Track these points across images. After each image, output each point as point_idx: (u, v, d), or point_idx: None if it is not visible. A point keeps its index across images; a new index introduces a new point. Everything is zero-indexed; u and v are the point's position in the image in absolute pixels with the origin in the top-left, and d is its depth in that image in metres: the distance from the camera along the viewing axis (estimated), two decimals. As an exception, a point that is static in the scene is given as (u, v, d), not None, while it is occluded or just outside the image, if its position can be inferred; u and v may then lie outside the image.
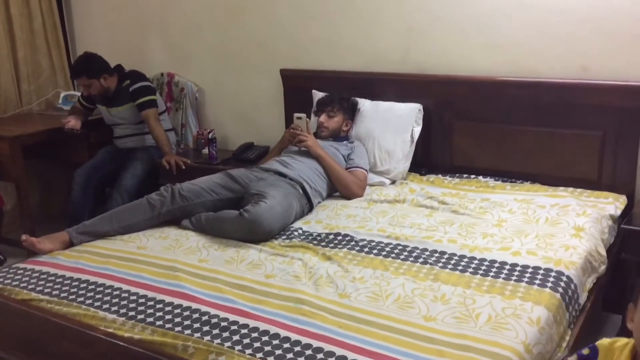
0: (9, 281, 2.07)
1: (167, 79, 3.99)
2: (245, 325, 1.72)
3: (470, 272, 2.00)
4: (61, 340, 1.81)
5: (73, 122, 3.67)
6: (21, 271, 2.14)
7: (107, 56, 3.64)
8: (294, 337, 1.65)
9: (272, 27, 3.55)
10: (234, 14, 3.66)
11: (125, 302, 1.89)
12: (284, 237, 2.40)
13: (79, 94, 3.91)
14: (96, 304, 1.89)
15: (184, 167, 3.41)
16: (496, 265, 2.05)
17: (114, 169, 3.68)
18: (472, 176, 2.96)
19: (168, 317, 1.79)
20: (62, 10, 4.33)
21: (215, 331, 1.70)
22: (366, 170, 2.91)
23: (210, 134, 3.58)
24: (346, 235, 2.36)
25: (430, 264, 2.08)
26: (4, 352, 1.98)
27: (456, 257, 2.12)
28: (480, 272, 2.01)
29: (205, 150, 3.59)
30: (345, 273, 2.03)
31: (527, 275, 1.96)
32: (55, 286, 2.02)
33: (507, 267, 2.03)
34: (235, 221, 2.36)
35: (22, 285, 2.04)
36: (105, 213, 2.57)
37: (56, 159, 4.15)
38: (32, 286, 2.03)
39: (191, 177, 2.78)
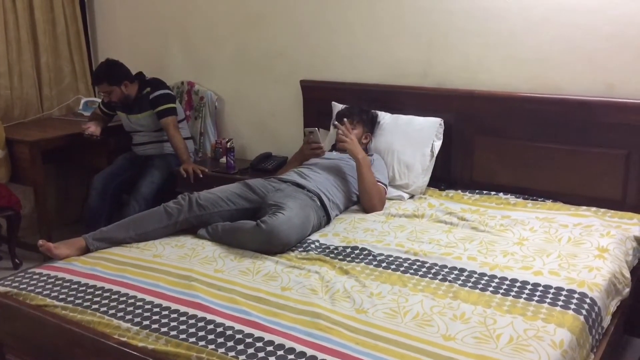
0: (24, 286, 2.06)
1: (187, 87, 4.01)
2: (260, 339, 1.69)
3: (491, 291, 1.96)
4: (74, 347, 1.79)
5: (93, 128, 3.69)
6: (37, 276, 2.13)
7: (128, 63, 3.66)
8: (309, 352, 1.62)
9: (293, 37, 3.55)
10: (255, 23, 3.67)
11: (139, 310, 1.87)
12: (301, 249, 2.37)
13: (99, 100, 3.93)
14: (110, 311, 1.87)
15: (201, 176, 3.41)
16: (517, 284, 2.00)
17: (132, 175, 3.69)
18: (493, 193, 2.91)
19: (182, 327, 1.77)
20: (86, 16, 4.38)
21: (230, 343, 1.67)
22: (385, 185, 2.88)
23: (229, 143, 3.58)
24: (364, 249, 2.33)
25: (450, 281, 2.04)
26: (17, 357, 1.98)
27: (476, 275, 2.08)
28: (501, 291, 1.96)
29: (223, 160, 3.58)
30: (362, 288, 2.00)
31: (550, 296, 1.91)
32: (70, 292, 2.01)
33: (529, 287, 1.98)
34: (252, 232, 2.34)
35: (37, 290, 2.03)
36: (122, 220, 2.57)
37: (75, 164, 4.18)
38: (47, 292, 2.02)
39: (209, 186, 2.77)
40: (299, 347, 1.64)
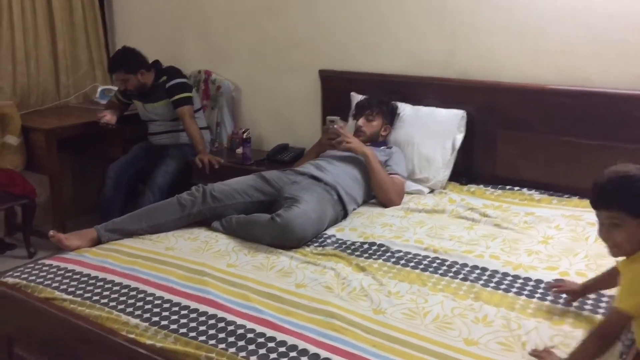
0: (33, 278, 2.02)
1: (204, 76, 3.94)
2: (273, 338, 1.63)
3: (515, 292, 1.87)
4: (81, 343, 1.75)
5: (108, 117, 3.64)
6: (46, 268, 2.09)
7: (145, 51, 3.61)
8: (323, 354, 1.55)
9: (312, 26, 3.46)
10: (273, 11, 3.59)
11: (149, 306, 1.82)
12: (317, 244, 2.30)
13: (116, 88, 3.88)
14: (119, 306, 1.82)
15: (217, 167, 3.34)
16: (542, 286, 1.91)
17: (147, 165, 3.64)
18: (516, 188, 2.81)
19: (192, 324, 1.71)
20: (103, 3, 4.32)
21: (241, 343, 1.61)
22: (404, 178, 2.80)
23: (245, 134, 3.51)
24: (381, 245, 2.25)
25: (471, 281, 1.95)
26: (25, 350, 1.94)
27: (499, 275, 1.99)
28: (525, 292, 1.87)
29: (240, 150, 3.51)
30: (380, 286, 1.93)
31: (577, 299, 1.82)
32: (80, 285, 1.96)
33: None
34: (267, 225, 2.28)
35: (46, 282, 1.98)
36: (135, 211, 2.52)
37: (91, 153, 4.14)
38: (56, 284, 1.97)
39: (224, 177, 2.71)
40: (312, 349, 1.57)
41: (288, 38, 3.57)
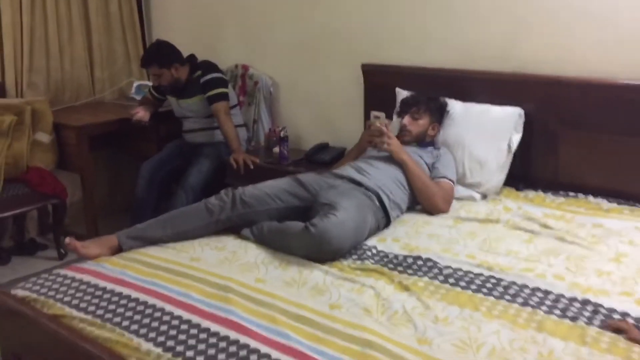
0: (45, 290, 1.85)
1: (241, 71, 3.76)
2: (299, 373, 1.41)
3: (584, 322, 1.61)
4: (89, 368, 1.57)
5: (141, 114, 3.50)
6: (60, 279, 1.92)
7: (181, 44, 3.44)
8: (358, 395, 1.33)
9: (354, 17, 3.23)
10: (313, 3, 3.37)
11: (165, 327, 1.62)
12: (355, 256, 2.07)
13: (151, 84, 3.74)
14: (132, 327, 1.63)
15: (252, 167, 3.15)
16: (616, 316, 1.64)
17: (181, 164, 3.48)
18: (581, 195, 2.53)
19: (211, 352, 1.51)
20: (140, -7, 4.19)
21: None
22: (453, 182, 2.54)
23: (282, 132, 3.30)
24: (428, 259, 2.01)
25: (532, 306, 1.70)
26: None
27: (565, 300, 1.73)
28: (596, 322, 1.61)
29: (277, 149, 3.31)
30: (425, 310, 1.69)
31: (660, 333, 1.55)
32: (93, 300, 1.78)
33: (631, 320, 1.61)
34: (300, 236, 2.06)
35: (57, 296, 1.81)
36: (160, 217, 2.34)
37: (125, 151, 4.02)
38: (69, 298, 1.80)
39: (260, 178, 2.52)
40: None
41: (329, 31, 3.35)
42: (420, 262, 2.00)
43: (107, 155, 4.06)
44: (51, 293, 1.84)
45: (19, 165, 3.26)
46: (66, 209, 3.50)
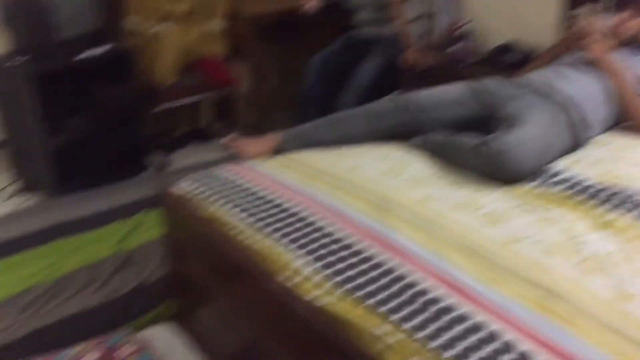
0: (203, 189, 1.80)
1: (421, -44, 3.37)
2: (463, 318, 1.20)
3: None
4: (237, 277, 1.50)
5: (314, 2, 3.33)
6: (216, 179, 1.86)
7: None
8: (540, 355, 1.10)
9: None
10: None
11: (315, 245, 1.48)
12: (540, 179, 1.77)
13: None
14: (283, 240, 1.51)
15: (425, 67, 2.86)
16: None
17: (351, 60, 3.28)
18: None
19: (360, 280, 1.34)
20: None
21: (431, 325, 1.19)
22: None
23: (464, 28, 2.93)
24: (630, 195, 1.64)
25: None
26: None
27: None
28: None
29: (454, 48, 2.96)
30: (627, 256, 1.38)
31: None
32: (246, 205, 1.69)
33: None
34: (472, 154, 1.79)
35: (212, 198, 1.75)
36: (325, 118, 2.22)
37: (301, 43, 3.89)
38: (223, 200, 1.72)
39: (432, 81, 2.25)
40: (524, 345, 1.12)
41: None
42: (622, 196, 1.65)
43: (279, 47, 3.97)
44: (208, 193, 1.78)
45: (192, 54, 3.29)
46: (236, 100, 3.51)
